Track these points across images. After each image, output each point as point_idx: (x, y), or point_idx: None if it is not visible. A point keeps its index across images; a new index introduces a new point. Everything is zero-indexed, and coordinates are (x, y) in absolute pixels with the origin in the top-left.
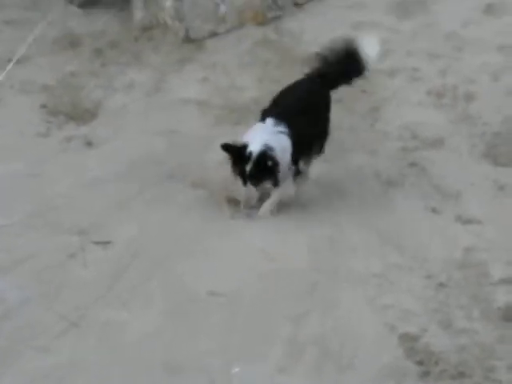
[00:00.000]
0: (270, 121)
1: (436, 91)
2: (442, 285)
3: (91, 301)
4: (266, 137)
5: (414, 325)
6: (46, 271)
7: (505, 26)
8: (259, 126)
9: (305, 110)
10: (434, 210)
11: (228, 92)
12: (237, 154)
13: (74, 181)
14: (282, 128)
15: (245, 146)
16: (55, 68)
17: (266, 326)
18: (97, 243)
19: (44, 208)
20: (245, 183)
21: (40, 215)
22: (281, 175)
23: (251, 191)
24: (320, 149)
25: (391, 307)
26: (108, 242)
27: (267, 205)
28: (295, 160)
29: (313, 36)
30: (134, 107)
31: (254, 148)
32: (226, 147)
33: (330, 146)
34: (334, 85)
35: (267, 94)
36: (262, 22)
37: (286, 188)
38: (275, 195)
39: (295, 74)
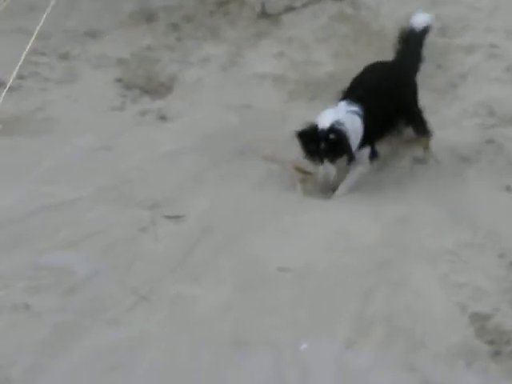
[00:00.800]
0: (343, 102)
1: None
2: None
3: (162, 275)
4: (336, 115)
5: (486, 304)
6: (117, 245)
7: None
8: (331, 108)
9: (382, 93)
10: (508, 189)
11: (304, 67)
12: (308, 135)
13: (148, 154)
14: (355, 108)
15: (315, 127)
16: (130, 42)
17: (335, 301)
18: (169, 217)
19: (116, 181)
20: (322, 161)
21: (112, 189)
22: (355, 152)
23: (329, 169)
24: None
25: (463, 286)
26: (180, 216)
27: (343, 186)
28: (369, 141)
29: (390, 10)
30: (209, 81)
31: (323, 125)
32: (299, 134)
33: None
34: (416, 69)
35: (343, 69)
36: None
37: (361, 169)
38: (351, 177)
39: (372, 48)
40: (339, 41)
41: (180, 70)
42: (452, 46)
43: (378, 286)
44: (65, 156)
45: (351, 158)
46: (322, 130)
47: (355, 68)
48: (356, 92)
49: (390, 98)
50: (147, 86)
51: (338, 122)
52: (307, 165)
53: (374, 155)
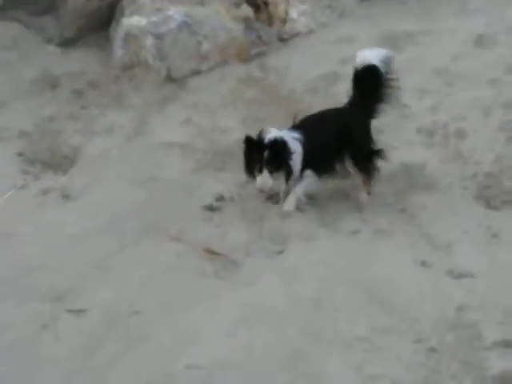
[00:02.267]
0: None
1: (426, 129)
2: (432, 349)
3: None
4: (279, 133)
5: None
6: (15, 347)
7: (496, 58)
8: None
9: (322, 127)
10: (423, 264)
11: (211, 134)
12: (253, 143)
13: (50, 240)
14: (295, 134)
15: (262, 138)
16: (33, 112)
17: None
18: (71, 311)
19: (16, 272)
20: (260, 170)
21: (12, 280)
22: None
23: (266, 179)
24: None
25: (379, 377)
26: (83, 310)
27: (290, 198)
28: (310, 165)
29: (299, 72)
30: (114, 153)
31: (270, 138)
32: (247, 139)
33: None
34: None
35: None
36: (246, 58)
37: (308, 181)
38: (296, 189)
39: (281, 112)
40: (247, 105)
41: (84, 142)
42: None
43: (292, 382)
44: None
45: (289, 173)
46: (267, 140)
47: None
48: (298, 124)
49: (329, 132)
50: (50, 160)
51: (282, 138)
52: (215, 246)
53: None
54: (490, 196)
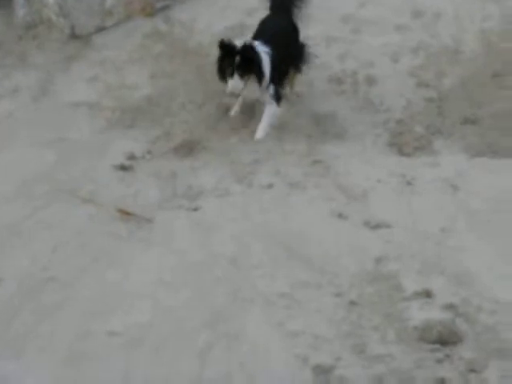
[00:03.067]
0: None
1: (335, 77)
2: (353, 303)
3: None
4: (252, 42)
5: (327, 353)
6: None
7: (402, 4)
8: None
9: (282, 38)
10: (340, 216)
11: (119, 91)
12: (227, 48)
13: None
14: (266, 49)
15: (235, 45)
16: None
17: (170, 365)
18: None
19: None
20: (232, 74)
21: None
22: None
23: (237, 82)
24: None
25: (301, 334)
26: None
27: (261, 128)
28: (276, 79)
29: (205, 25)
30: (20, 115)
31: (242, 43)
32: (221, 44)
33: None
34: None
35: (160, 91)
36: (151, 13)
37: (272, 110)
38: (264, 118)
39: (189, 67)
40: (154, 60)
41: None
42: None
43: (213, 344)
44: None
45: (261, 77)
46: (240, 47)
47: (172, 89)
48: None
49: (286, 42)
50: None
51: (252, 44)
52: (128, 206)
53: (279, 96)
54: (402, 143)
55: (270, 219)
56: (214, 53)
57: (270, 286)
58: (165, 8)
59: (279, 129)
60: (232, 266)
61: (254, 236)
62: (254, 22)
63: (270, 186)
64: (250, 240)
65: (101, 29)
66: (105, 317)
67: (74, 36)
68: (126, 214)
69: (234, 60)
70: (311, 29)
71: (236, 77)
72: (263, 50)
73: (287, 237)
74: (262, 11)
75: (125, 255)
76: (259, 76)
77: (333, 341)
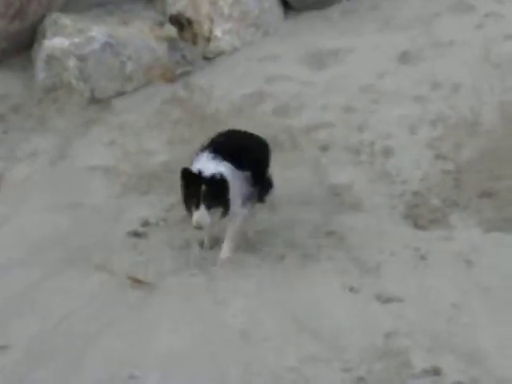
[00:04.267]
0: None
1: (352, 148)
2: (361, 379)
3: None
4: (219, 166)
5: None
6: None
7: (422, 75)
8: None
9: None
10: (351, 289)
11: (136, 156)
12: (192, 177)
13: None
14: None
15: (200, 172)
16: None
17: None
18: None
19: None
20: (197, 205)
21: None
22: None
23: (203, 215)
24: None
25: None
26: (4, 347)
27: (225, 248)
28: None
29: (224, 91)
30: (37, 178)
31: (209, 172)
32: (184, 173)
33: None
34: None
35: (177, 157)
36: (171, 78)
37: (238, 222)
38: (229, 237)
39: (206, 133)
40: (172, 126)
41: (6, 168)
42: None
43: None
44: None
45: (227, 209)
46: (207, 174)
47: (190, 156)
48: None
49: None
50: None
51: (221, 173)
52: (140, 273)
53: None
54: (418, 215)
55: (281, 292)
56: (232, 121)
57: (280, 359)
58: (185, 74)
59: (293, 197)
60: (242, 340)
61: (265, 309)
62: (272, 89)
63: (283, 257)
64: (261, 314)
65: (120, 93)
66: None
67: (93, 100)
68: (136, 281)
69: (199, 190)
70: (330, 98)
71: (202, 209)
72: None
73: (298, 310)
74: (281, 79)
75: (134, 324)
76: (226, 207)
77: None
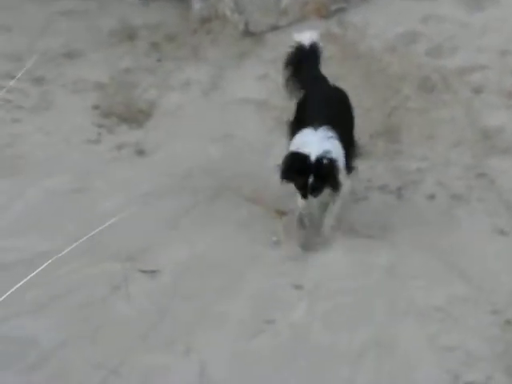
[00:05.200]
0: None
1: (507, 91)
2: (509, 322)
3: (133, 344)
4: (322, 144)
5: (479, 371)
6: (86, 307)
7: None
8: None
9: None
10: (502, 232)
11: None
12: (299, 166)
13: (123, 197)
14: (331, 133)
15: (305, 157)
16: (109, 63)
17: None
18: (143, 271)
19: (88, 230)
20: (305, 196)
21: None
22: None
23: (312, 203)
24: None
25: (454, 349)
26: (155, 271)
27: (328, 221)
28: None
29: (378, 30)
30: (189, 108)
31: (313, 156)
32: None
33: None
34: None
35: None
36: (325, 14)
37: (340, 201)
38: (335, 207)
39: (358, 71)
40: (325, 62)
41: (159, 96)
42: (442, 67)
43: (364, 350)
44: (33, 201)
45: (337, 188)
46: (312, 162)
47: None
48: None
49: (347, 121)
50: (125, 113)
51: (327, 153)
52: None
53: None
54: None
55: (430, 231)
56: (385, 59)
57: (427, 298)
58: (339, 11)
59: (445, 137)
60: (388, 275)
61: (413, 246)
62: (427, 30)
63: (432, 196)
64: (409, 250)
65: (274, 27)
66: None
67: (247, 33)
68: (282, 214)
69: (307, 179)
70: (485, 40)
71: (311, 198)
72: (329, 136)
73: (446, 249)
74: (436, 19)
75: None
76: (337, 186)
77: (486, 359)
